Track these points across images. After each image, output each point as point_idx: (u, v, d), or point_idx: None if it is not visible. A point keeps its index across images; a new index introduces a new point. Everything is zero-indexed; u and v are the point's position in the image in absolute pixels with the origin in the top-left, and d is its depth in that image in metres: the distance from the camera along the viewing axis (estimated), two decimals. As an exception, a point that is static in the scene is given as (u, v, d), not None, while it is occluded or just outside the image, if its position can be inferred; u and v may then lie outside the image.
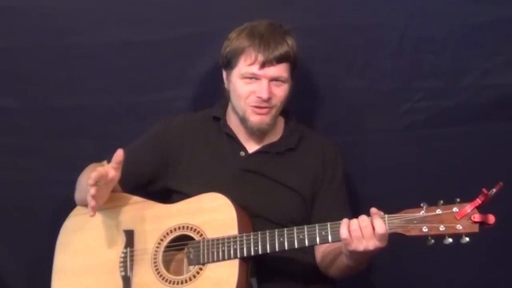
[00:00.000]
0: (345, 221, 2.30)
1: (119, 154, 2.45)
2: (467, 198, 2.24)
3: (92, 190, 2.38)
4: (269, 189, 2.61)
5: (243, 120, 2.62)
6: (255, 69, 2.54)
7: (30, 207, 3.14)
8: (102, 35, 3.02)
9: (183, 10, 2.99)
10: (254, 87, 2.56)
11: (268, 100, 2.56)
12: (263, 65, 2.54)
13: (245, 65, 2.56)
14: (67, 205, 2.73)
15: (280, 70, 2.56)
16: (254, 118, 2.59)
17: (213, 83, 2.82)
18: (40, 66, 3.06)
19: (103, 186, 2.45)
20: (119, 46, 3.03)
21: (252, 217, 2.52)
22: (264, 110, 2.58)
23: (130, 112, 3.06)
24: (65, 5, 3.01)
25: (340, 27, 2.94)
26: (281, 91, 2.59)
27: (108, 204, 2.61)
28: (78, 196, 2.70)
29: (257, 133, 2.63)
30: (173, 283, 2.45)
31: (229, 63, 2.62)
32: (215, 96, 2.79)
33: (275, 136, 2.69)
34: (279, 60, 2.55)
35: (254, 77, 2.56)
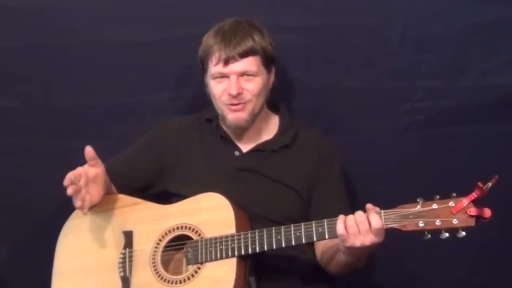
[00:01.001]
0: (341, 217, 2.30)
1: (88, 151, 2.50)
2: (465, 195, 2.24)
3: (69, 190, 2.43)
4: (265, 187, 2.61)
5: (223, 120, 2.65)
6: (220, 67, 2.57)
7: (30, 207, 3.14)
8: (102, 35, 3.03)
9: (183, 10, 3.00)
10: (224, 85, 2.58)
11: (238, 95, 2.56)
12: (226, 62, 2.56)
13: (212, 66, 2.59)
14: (67, 205, 2.71)
15: (247, 64, 2.57)
16: (231, 116, 2.60)
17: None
18: (40, 66, 3.07)
19: (92, 185, 2.49)
20: (119, 46, 3.04)
21: (249, 216, 2.52)
22: (238, 107, 2.58)
23: (130, 112, 3.07)
24: (65, 5, 3.02)
25: (340, 27, 2.95)
26: (253, 85, 2.58)
27: (107, 206, 2.63)
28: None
29: (237, 131, 2.65)
30: (172, 283, 2.45)
31: (203, 67, 2.66)
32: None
33: (269, 134, 2.70)
34: (243, 55, 2.56)
35: (223, 76, 2.58)
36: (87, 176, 2.48)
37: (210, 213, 2.48)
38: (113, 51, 3.04)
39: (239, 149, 2.66)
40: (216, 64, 2.57)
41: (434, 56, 2.90)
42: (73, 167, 2.81)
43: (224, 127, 2.70)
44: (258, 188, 2.60)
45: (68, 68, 3.06)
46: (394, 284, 3.03)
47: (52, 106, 3.09)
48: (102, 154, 2.65)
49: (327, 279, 2.64)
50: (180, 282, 2.44)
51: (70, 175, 2.45)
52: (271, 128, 2.71)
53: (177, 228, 2.51)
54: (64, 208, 2.73)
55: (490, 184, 2.16)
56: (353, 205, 2.69)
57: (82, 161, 2.76)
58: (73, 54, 3.05)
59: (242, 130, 2.65)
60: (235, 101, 2.57)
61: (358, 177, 2.96)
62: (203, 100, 2.90)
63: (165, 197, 2.69)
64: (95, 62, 3.05)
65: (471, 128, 2.92)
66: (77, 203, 2.46)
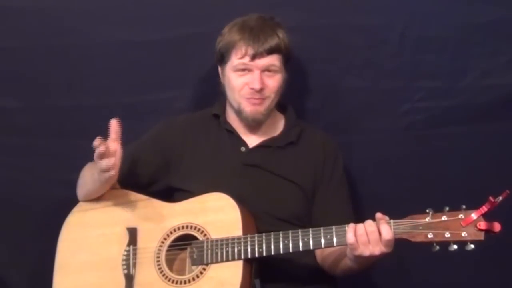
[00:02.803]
0: (351, 226, 2.30)
1: (114, 123, 2.48)
2: (466, 198, 2.25)
3: (101, 147, 2.40)
4: (271, 183, 2.62)
5: (238, 112, 2.65)
6: (246, 61, 2.58)
7: (30, 207, 3.13)
8: (102, 35, 3.02)
9: (183, 10, 3.00)
10: (247, 78, 2.60)
11: (261, 91, 2.59)
12: (253, 58, 2.58)
13: (237, 58, 2.60)
14: (67, 205, 2.72)
15: (271, 60, 2.59)
16: (249, 109, 2.62)
17: (213, 83, 2.83)
18: (40, 66, 3.06)
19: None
20: (119, 46, 3.03)
21: (254, 212, 2.52)
22: (257, 101, 2.60)
23: (130, 112, 3.06)
24: (65, 5, 3.01)
25: (340, 27, 2.95)
26: (273, 82, 2.61)
27: (111, 201, 2.63)
28: (81, 191, 2.71)
29: (252, 124, 2.66)
30: (176, 283, 2.44)
31: (223, 58, 2.66)
32: (215, 96, 2.79)
33: (275, 131, 2.72)
34: (269, 51, 2.58)
35: (247, 69, 2.59)
36: (108, 151, 2.44)
37: (217, 214, 2.48)
38: (113, 51, 3.03)
39: (245, 145, 2.67)
40: (242, 57, 2.58)
41: (434, 56, 2.91)
42: (73, 167, 2.83)
43: (231, 123, 2.71)
44: (263, 184, 2.62)
45: (68, 68, 3.05)
46: (396, 284, 3.05)
47: (52, 106, 3.08)
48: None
49: (331, 281, 2.65)
50: (185, 282, 2.43)
51: (97, 140, 2.43)
52: (277, 126, 2.73)
53: (182, 227, 2.51)
54: (64, 208, 2.73)
55: (500, 198, 2.15)
56: (353, 205, 2.71)
57: (82, 161, 2.78)
58: (73, 54, 3.04)
59: (251, 126, 2.66)
60: (256, 96, 2.59)
61: (358, 177, 2.96)
62: (203, 100, 2.93)
63: (169, 193, 2.69)
64: (95, 62, 3.04)
65: (471, 128, 2.92)
66: (110, 161, 2.42)
